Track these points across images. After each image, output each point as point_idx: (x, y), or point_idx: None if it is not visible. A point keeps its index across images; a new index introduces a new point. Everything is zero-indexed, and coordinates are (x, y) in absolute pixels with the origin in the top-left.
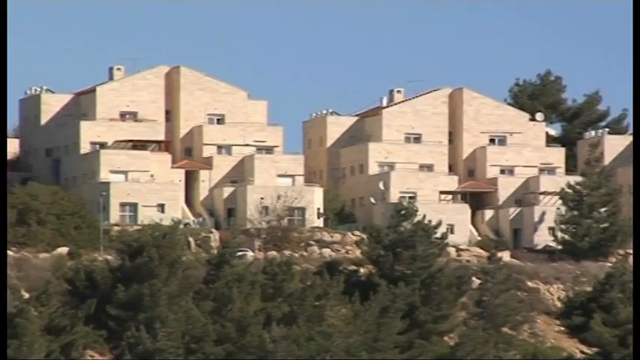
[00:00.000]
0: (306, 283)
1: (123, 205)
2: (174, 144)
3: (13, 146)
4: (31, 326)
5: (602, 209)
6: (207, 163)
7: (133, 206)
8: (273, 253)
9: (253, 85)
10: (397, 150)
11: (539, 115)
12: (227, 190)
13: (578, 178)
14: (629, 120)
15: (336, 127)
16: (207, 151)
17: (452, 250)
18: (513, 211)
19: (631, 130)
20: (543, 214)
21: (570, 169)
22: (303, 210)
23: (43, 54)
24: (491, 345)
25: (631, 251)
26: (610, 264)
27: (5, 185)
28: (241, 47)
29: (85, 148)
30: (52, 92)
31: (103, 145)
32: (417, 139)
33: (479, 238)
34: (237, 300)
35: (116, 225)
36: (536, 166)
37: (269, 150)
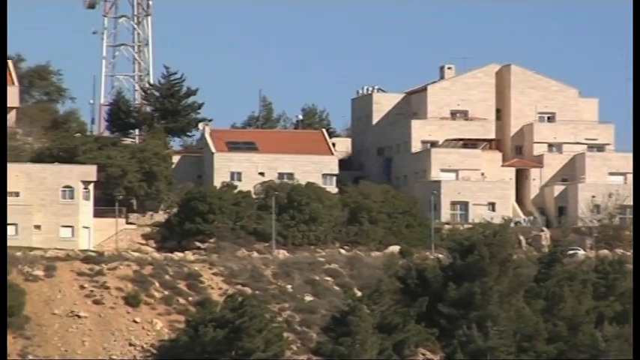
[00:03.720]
0: None
1: (454, 203)
2: (505, 142)
3: (345, 145)
4: (364, 324)
5: None
6: (538, 162)
7: (464, 205)
8: (605, 251)
9: (584, 82)
10: None
11: None
12: (558, 189)
13: None
14: None
15: None
16: (538, 150)
17: None
18: None
19: None
20: None
21: None
22: None
23: (375, 54)
24: None
25: None
26: None
27: (5, 182)
28: (570, 45)
29: (416, 146)
30: (384, 92)
31: (433, 144)
32: None
33: None
34: (569, 298)
35: (447, 223)
36: None
37: (600, 148)
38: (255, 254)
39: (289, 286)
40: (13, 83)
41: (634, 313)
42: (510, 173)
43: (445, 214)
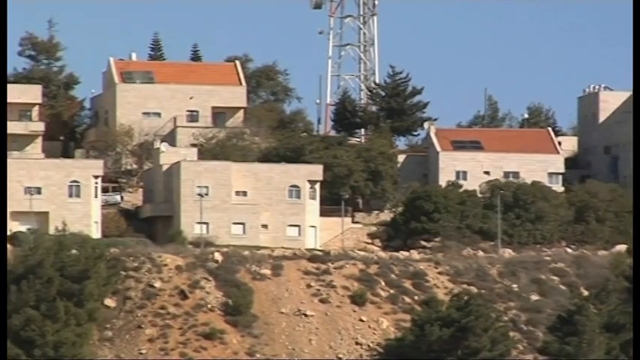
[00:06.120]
0: None
1: None
2: None
3: (571, 144)
4: (590, 324)
5: None
6: None
7: None
8: None
9: None
10: None
11: None
12: None
13: None
14: None
15: None
16: None
17: None
18: None
19: None
20: None
21: None
22: None
23: (602, 52)
24: None
25: None
26: None
27: (5, 182)
28: None
29: None
30: (611, 90)
31: None
32: None
33: None
34: None
35: None
36: None
37: None
38: (480, 253)
39: (515, 285)
40: (240, 83)
41: (634, 314)
42: None
43: None
